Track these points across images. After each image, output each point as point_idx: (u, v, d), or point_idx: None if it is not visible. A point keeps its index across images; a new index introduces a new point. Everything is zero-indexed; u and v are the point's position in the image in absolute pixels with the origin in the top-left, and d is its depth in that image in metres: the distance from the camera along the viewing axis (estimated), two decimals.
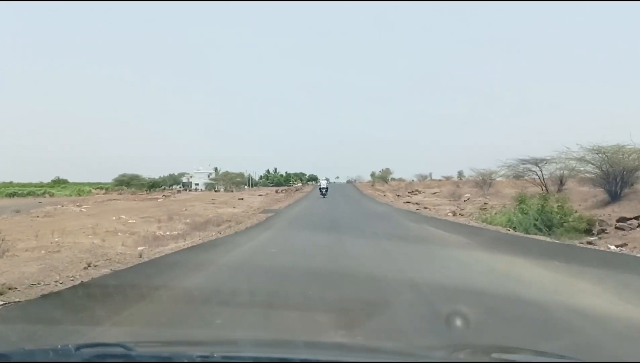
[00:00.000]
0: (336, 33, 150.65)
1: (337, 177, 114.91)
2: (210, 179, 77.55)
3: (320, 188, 34.19)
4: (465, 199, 29.03)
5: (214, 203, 29.48)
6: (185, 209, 24.85)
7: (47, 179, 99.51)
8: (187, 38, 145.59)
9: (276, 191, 41.18)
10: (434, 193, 34.87)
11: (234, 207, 27.27)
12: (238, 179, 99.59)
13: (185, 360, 1.57)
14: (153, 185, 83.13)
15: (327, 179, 36.31)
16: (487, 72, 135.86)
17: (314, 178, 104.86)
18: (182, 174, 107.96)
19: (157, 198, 33.84)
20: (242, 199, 31.77)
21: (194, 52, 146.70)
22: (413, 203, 26.68)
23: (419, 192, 36.87)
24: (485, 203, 25.08)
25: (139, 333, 4.23)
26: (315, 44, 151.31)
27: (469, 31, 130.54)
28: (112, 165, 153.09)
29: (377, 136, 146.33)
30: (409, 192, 36.95)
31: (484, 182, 36.41)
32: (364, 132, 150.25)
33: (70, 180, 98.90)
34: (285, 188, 46.64)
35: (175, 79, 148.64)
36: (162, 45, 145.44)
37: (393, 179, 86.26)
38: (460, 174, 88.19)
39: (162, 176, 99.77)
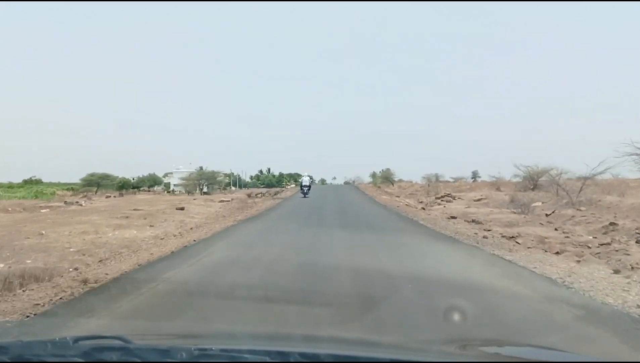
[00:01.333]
0: (335, 30, 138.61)
1: (334, 178, 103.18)
2: (182, 180, 64.84)
3: (302, 186, 31.71)
4: (547, 212, 16.77)
5: (128, 218, 17.19)
6: (43, 233, 12.76)
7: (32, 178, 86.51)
8: (184, 35, 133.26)
9: (248, 195, 29.22)
10: (478, 200, 22.68)
11: (151, 225, 15.09)
12: (220, 179, 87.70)
13: (184, 353, 1.49)
14: (123, 185, 71.10)
15: (310, 176, 33.35)
16: (488, 71, 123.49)
17: None
18: (167, 174, 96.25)
19: (49, 206, 21.44)
20: (183, 209, 19.39)
21: (190, 51, 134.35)
22: (474, 221, 14.47)
23: (453, 198, 24.58)
24: (612, 224, 12.88)
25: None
26: (315, 43, 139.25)
27: (470, 29, 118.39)
28: (102, 164, 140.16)
29: (375, 137, 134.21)
30: (437, 198, 24.76)
31: (547, 183, 24.28)
32: (360, 133, 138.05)
33: (52, 180, 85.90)
34: (263, 191, 34.49)
35: (170, 76, 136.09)
36: (160, 42, 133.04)
37: (394, 180, 74.54)
38: (475, 174, 76.52)
39: (141, 175, 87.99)
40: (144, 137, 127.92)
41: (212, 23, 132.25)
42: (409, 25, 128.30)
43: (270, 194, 32.03)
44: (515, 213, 18.26)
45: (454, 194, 25.92)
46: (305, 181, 31.91)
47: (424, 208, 17.23)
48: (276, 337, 2.58)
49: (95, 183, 74.00)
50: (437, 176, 78.80)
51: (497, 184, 31.66)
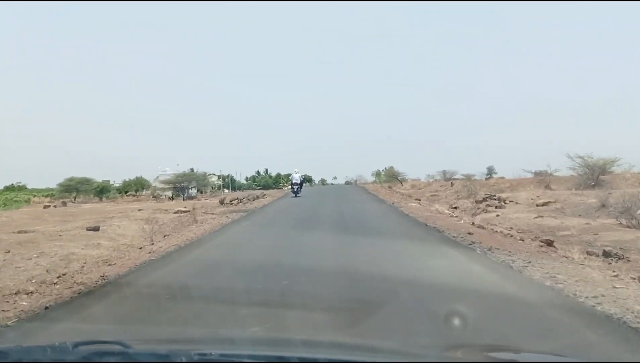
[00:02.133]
0: (335, 31, 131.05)
1: (335, 178, 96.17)
2: (161, 183, 57.70)
3: (292, 184, 28.97)
4: None
5: None
6: None
7: (16, 184, 79.34)
8: (184, 32, 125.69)
9: (221, 202, 21.35)
10: (544, 204, 15.43)
11: None
12: (212, 181, 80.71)
13: (183, 357, 1.47)
14: (102, 190, 64.14)
15: (300, 174, 29.43)
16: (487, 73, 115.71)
17: (308, 179, 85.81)
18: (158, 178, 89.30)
19: None
20: (97, 229, 12.18)
21: (189, 51, 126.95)
22: (607, 255, 7.10)
23: (503, 202, 17.26)
24: None
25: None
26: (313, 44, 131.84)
27: (464, 30, 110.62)
28: (100, 168, 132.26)
29: (375, 135, 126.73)
30: (477, 201, 17.48)
31: None
32: (360, 132, 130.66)
33: (47, 186, 78.74)
34: (243, 195, 27.03)
35: (169, 78, 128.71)
36: (158, 43, 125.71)
37: (402, 179, 67.45)
38: (490, 170, 68.71)
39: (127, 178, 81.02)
40: (144, 140, 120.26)
41: (209, 23, 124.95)
42: (408, 25, 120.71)
43: (249, 199, 24.38)
44: (631, 226, 11.04)
45: (497, 195, 18.64)
46: (296, 178, 28.97)
47: (551, 243, 8.32)
48: (275, 341, 2.53)
49: (74, 188, 67.43)
50: (445, 173, 71.96)
51: (545, 181, 24.46)
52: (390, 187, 37.30)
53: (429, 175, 76.18)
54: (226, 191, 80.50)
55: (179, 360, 1.44)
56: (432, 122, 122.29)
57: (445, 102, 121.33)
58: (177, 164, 76.10)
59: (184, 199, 47.95)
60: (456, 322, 4.10)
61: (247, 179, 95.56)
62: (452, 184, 29.59)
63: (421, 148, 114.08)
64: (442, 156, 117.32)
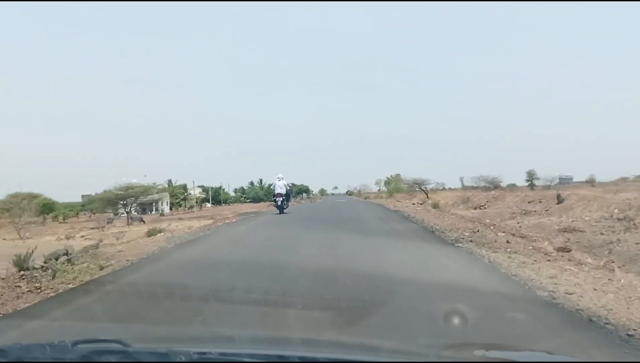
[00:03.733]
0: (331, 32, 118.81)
1: (335, 187, 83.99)
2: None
3: (274, 196, 19.84)
4: None
5: None
6: None
7: None
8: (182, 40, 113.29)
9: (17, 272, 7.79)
10: None
11: None
12: (195, 194, 66.60)
13: (183, 356, 1.43)
14: (42, 210, 50.34)
15: (283, 179, 19.05)
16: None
17: (304, 190, 71.53)
18: None
19: None
20: None
21: (183, 60, 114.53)
22: None
23: None
24: None
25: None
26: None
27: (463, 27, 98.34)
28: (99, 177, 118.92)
29: (375, 143, 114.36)
30: None
31: None
32: (360, 138, 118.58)
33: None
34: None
35: (168, 78, 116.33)
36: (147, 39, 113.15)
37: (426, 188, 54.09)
38: (531, 175, 54.85)
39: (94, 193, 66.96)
40: (146, 145, 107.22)
41: (210, 24, 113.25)
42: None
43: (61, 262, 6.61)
44: None
45: None
46: (280, 186, 19.76)
47: None
48: (275, 340, 2.46)
49: (19, 207, 52.85)
50: (462, 179, 57.98)
51: None
52: (423, 202, 23.18)
53: (438, 183, 62.80)
54: (208, 205, 66.67)
55: (178, 358, 1.40)
56: (432, 123, 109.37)
57: (447, 104, 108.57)
58: (145, 175, 61.30)
59: (128, 224, 34.20)
60: None
61: (235, 191, 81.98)
62: (560, 200, 15.64)
63: (423, 150, 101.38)
64: (443, 160, 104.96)
